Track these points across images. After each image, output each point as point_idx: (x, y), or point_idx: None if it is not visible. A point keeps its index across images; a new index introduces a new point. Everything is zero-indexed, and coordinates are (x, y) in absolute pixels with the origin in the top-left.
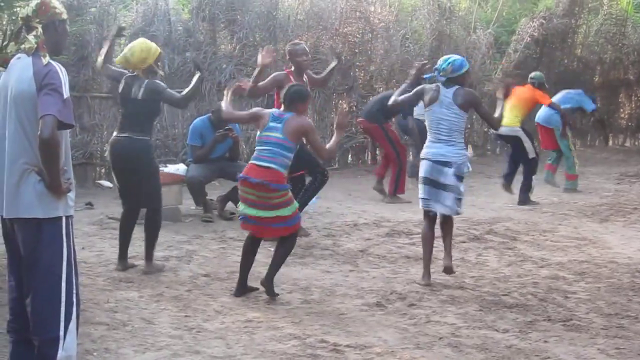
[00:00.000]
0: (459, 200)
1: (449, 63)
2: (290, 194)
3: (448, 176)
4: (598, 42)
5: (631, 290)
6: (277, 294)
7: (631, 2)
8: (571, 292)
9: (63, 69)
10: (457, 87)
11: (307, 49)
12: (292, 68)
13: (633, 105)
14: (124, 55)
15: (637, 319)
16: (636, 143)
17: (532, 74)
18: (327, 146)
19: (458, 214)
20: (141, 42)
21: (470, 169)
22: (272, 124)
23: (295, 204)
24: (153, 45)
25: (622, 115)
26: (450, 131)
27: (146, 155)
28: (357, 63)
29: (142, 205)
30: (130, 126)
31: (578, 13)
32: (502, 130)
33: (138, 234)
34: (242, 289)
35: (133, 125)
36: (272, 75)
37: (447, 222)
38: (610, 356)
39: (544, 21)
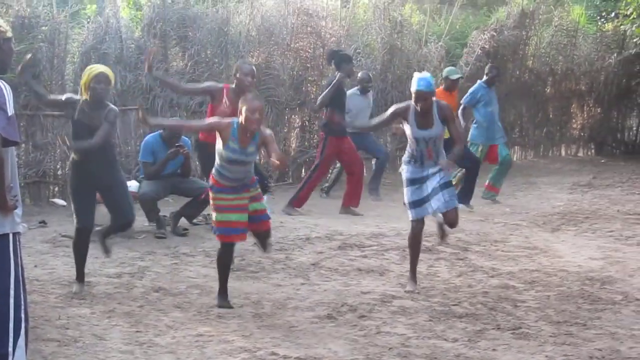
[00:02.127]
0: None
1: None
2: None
3: None
4: (549, 54)
5: (580, 297)
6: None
7: (583, 13)
8: (521, 301)
9: (7, 87)
10: None
11: (255, 71)
12: (234, 85)
13: (585, 116)
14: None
15: (585, 326)
16: (589, 153)
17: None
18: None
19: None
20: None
21: None
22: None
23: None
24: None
25: (575, 126)
26: None
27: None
28: (309, 78)
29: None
30: None
31: (529, 25)
32: None
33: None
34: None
35: None
36: (207, 83)
37: None
38: None
39: (494, 33)
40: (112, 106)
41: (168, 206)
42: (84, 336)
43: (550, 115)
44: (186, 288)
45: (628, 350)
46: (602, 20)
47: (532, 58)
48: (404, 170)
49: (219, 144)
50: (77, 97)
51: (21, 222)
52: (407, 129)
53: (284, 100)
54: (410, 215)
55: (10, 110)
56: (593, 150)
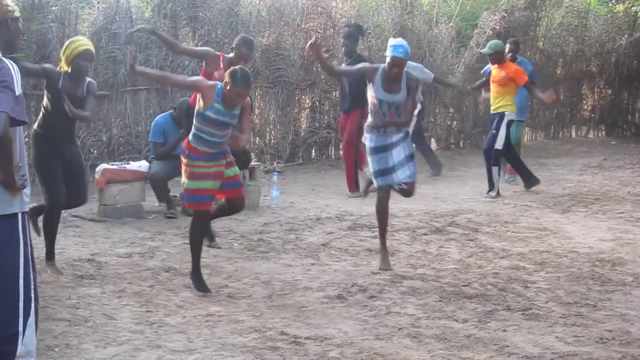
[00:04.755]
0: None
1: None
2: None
3: None
4: (560, 35)
5: (591, 279)
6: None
7: None
8: (531, 282)
9: (15, 66)
10: None
11: (253, 45)
12: (230, 55)
13: (596, 97)
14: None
15: (595, 307)
16: (599, 135)
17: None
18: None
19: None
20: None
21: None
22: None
23: None
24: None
25: (585, 107)
26: None
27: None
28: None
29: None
30: None
31: (540, 6)
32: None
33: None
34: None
35: None
36: (205, 48)
37: None
38: (568, 344)
39: (505, 14)
40: (90, 79)
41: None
42: (94, 316)
43: (561, 97)
44: None
45: (638, 331)
46: (613, 1)
47: (542, 39)
48: (368, 139)
49: (199, 106)
50: (55, 68)
51: (30, 202)
52: (371, 90)
53: (295, 81)
54: (375, 183)
55: (18, 90)
56: (604, 132)
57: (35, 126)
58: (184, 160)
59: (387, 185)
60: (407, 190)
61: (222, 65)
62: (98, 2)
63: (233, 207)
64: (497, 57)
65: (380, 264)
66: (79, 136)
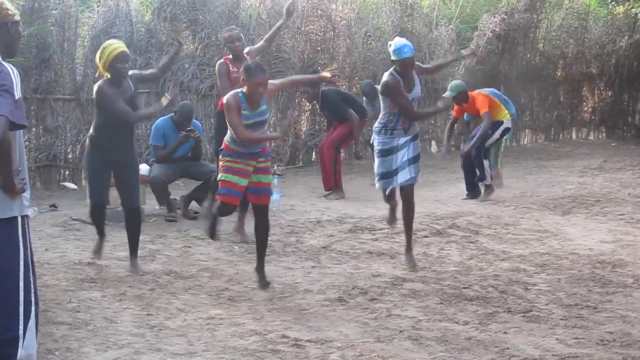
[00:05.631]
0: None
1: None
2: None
3: None
4: (560, 37)
5: (591, 281)
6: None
7: None
8: (532, 284)
9: (15, 70)
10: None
11: (241, 35)
12: (230, 55)
13: (596, 99)
14: None
15: (596, 309)
16: (599, 136)
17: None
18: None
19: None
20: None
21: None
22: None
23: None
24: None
25: (586, 109)
26: None
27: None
28: (319, 61)
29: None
30: None
31: (540, 8)
32: None
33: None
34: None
35: None
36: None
37: None
38: (568, 346)
39: (505, 16)
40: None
41: (179, 189)
42: (94, 319)
43: (561, 99)
44: (197, 271)
45: (639, 333)
46: (613, 3)
47: (542, 41)
48: (375, 141)
49: None
50: (100, 83)
51: (31, 206)
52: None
53: None
54: (376, 185)
55: (18, 94)
56: (604, 134)
57: (90, 130)
58: (220, 157)
59: (386, 188)
60: (405, 194)
61: (231, 65)
62: (98, 6)
63: (256, 213)
64: (461, 97)
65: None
66: (79, 139)
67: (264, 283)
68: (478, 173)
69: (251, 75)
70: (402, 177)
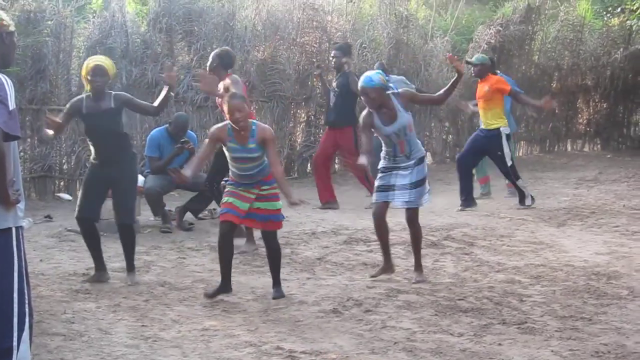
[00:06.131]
0: None
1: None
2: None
3: None
4: (555, 49)
5: (586, 292)
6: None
7: (589, 8)
8: (526, 296)
9: (9, 81)
10: None
11: (213, 55)
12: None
13: (591, 111)
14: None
15: (591, 320)
16: (595, 148)
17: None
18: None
19: None
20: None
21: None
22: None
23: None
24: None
25: (581, 121)
26: None
27: None
28: (315, 73)
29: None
30: None
31: (535, 20)
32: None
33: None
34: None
35: None
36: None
37: None
38: (563, 357)
39: (500, 28)
40: (114, 92)
41: (174, 201)
42: (89, 330)
43: (556, 110)
44: (192, 282)
45: (634, 345)
46: (608, 15)
47: (538, 53)
48: (380, 163)
49: (223, 146)
50: (78, 97)
51: (26, 217)
52: (377, 130)
53: (290, 95)
54: (372, 198)
55: (12, 105)
56: (599, 146)
57: None
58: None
59: (383, 201)
60: (409, 217)
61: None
62: (93, 17)
63: (265, 241)
64: (481, 71)
65: (377, 272)
66: (74, 150)
67: (277, 295)
68: (517, 195)
69: (228, 102)
70: (400, 198)
